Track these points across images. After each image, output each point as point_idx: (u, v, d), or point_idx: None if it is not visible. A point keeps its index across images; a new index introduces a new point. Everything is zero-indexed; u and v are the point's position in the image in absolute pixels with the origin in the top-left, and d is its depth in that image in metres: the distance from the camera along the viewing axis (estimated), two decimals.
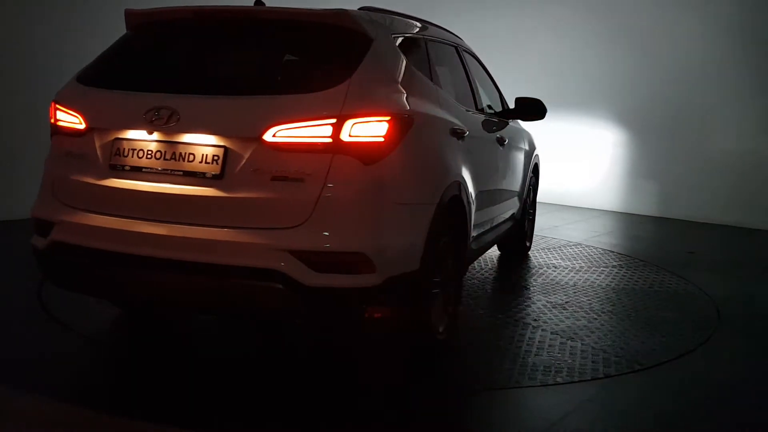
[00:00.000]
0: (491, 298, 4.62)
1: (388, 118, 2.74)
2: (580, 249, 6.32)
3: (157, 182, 2.72)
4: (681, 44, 8.57)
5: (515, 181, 5.12)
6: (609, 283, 5.05)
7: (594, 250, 6.33)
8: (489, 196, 4.28)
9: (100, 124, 2.86)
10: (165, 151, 2.73)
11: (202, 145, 2.69)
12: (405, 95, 2.99)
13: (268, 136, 2.61)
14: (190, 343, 3.59)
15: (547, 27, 9.37)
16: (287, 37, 3.00)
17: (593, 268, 5.52)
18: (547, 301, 4.51)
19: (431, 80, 3.46)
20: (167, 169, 2.72)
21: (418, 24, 3.72)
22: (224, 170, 2.65)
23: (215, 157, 2.67)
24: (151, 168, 2.74)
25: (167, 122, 2.68)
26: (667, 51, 8.66)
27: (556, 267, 5.53)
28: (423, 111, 3.11)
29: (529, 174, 5.58)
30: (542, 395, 3.07)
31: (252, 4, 3.28)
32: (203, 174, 2.67)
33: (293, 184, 2.61)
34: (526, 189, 5.50)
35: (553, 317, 4.14)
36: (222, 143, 2.67)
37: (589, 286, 4.94)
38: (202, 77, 2.93)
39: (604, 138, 9.24)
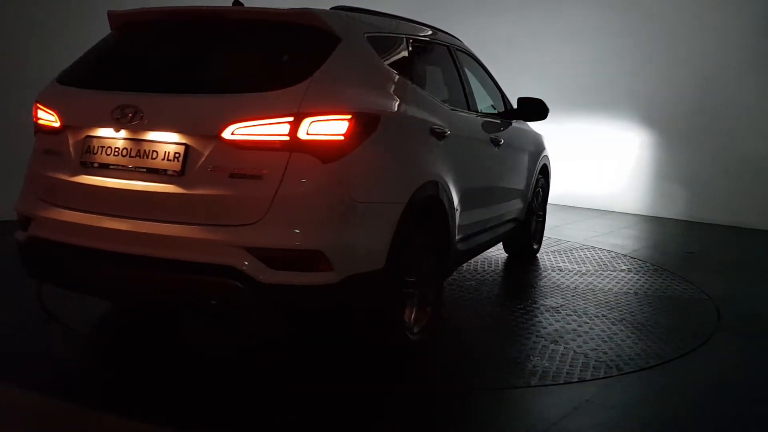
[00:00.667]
0: (485, 300, 4.56)
1: (348, 116, 2.74)
2: (592, 252, 6.20)
3: (122, 179, 2.79)
4: (711, 42, 8.31)
5: (516, 182, 5.05)
6: (612, 287, 4.93)
7: (606, 253, 6.19)
8: (480, 197, 4.24)
9: (73, 122, 2.95)
10: (131, 149, 2.80)
11: (165, 142, 2.74)
12: (373, 94, 3.00)
13: (226, 134, 2.65)
14: (186, 341, 3.61)
15: (569, 28, 9.22)
16: (254, 36, 3.02)
17: (599, 272, 5.41)
18: (542, 304, 4.45)
19: (411, 79, 3.44)
20: (132, 166, 2.78)
21: (400, 23, 3.71)
22: (185, 167, 2.71)
23: (177, 155, 2.72)
24: (117, 165, 2.81)
25: (131, 120, 2.75)
26: (696, 49, 8.41)
27: (561, 270, 5.44)
28: (393, 110, 3.11)
29: (535, 175, 5.49)
30: (543, 395, 3.08)
31: (231, 4, 3.34)
32: (165, 171, 2.73)
33: (251, 182, 2.64)
34: (531, 190, 5.42)
35: (542, 320, 4.08)
36: (183, 141, 2.72)
37: (589, 289, 4.84)
38: (167, 76, 2.98)
39: (629, 140, 9.03)
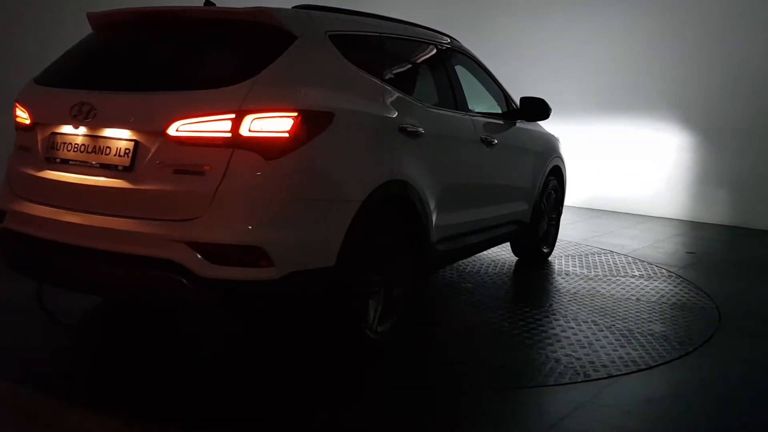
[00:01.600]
0: (476, 302, 4.48)
1: (294, 114, 2.76)
2: (608, 257, 5.98)
3: (79, 174, 2.91)
4: (757, 37, 7.90)
5: (517, 183, 4.94)
6: (614, 293, 4.76)
7: (624, 258, 5.97)
8: (467, 198, 4.17)
9: (40, 119, 3.09)
10: (87, 145, 2.91)
11: (117, 139, 2.84)
12: (327, 92, 3.01)
13: (171, 130, 2.71)
14: (184, 342, 3.59)
15: (603, 27, 8.94)
16: (210, 35, 3.08)
17: (608, 277, 5.22)
18: (533, 309, 4.33)
19: (381, 78, 3.42)
20: (88, 162, 2.89)
21: (374, 22, 3.68)
22: (134, 163, 2.79)
23: (127, 150, 2.81)
24: (75, 160, 2.93)
25: (86, 117, 2.86)
26: (740, 45, 8.00)
27: (567, 274, 5.30)
28: (351, 108, 3.10)
29: (542, 177, 5.31)
30: (544, 395, 3.08)
31: (203, 4, 3.41)
32: (116, 166, 2.82)
33: (194, 177, 2.70)
34: (537, 192, 5.26)
35: (526, 324, 3.97)
36: (133, 137, 2.80)
37: (589, 295, 4.69)
38: (123, 74, 3.08)
39: (668, 142, 8.69)
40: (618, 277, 5.24)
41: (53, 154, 3.00)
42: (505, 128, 4.77)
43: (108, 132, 2.86)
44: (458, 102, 4.21)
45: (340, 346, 3.34)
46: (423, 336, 3.79)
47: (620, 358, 3.48)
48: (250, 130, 2.68)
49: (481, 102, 4.83)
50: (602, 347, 3.63)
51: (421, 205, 3.51)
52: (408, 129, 3.45)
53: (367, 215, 3.06)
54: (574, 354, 3.50)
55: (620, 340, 3.75)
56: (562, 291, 4.79)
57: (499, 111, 4.86)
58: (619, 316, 4.22)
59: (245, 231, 2.69)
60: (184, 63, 3.05)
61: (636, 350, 3.61)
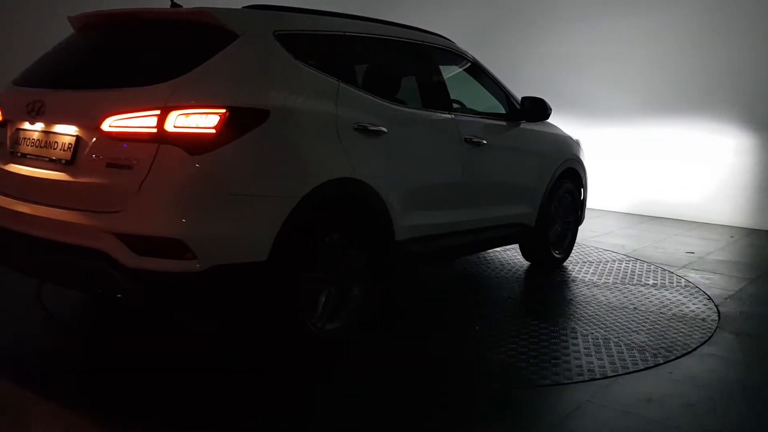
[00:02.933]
0: (461, 307, 4.41)
1: (222, 111, 2.81)
2: (628, 265, 5.68)
3: (33, 167, 3.10)
4: None
5: (515, 185, 4.78)
6: (613, 301, 4.52)
7: (647, 266, 5.65)
8: (446, 199, 4.09)
9: (9, 116, 3.32)
10: (41, 140, 3.10)
11: (62, 134, 3.01)
12: (266, 90, 3.04)
13: (105, 126, 2.85)
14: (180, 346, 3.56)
15: (651, 26, 8.50)
16: (157, 35, 3.21)
17: (616, 285, 4.96)
18: (517, 315, 4.21)
19: (338, 77, 3.40)
20: (41, 156, 3.08)
21: (335, 21, 3.65)
22: (75, 157, 2.94)
23: (69, 145, 2.97)
24: (32, 154, 3.13)
25: (38, 114, 3.05)
26: None
27: (573, 281, 5.09)
28: (293, 106, 3.12)
29: (552, 180, 5.09)
30: (544, 396, 3.08)
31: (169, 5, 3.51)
32: (60, 160, 2.99)
33: (123, 171, 2.81)
34: (544, 195, 5.04)
35: (499, 330, 3.86)
36: (75, 133, 2.96)
37: (585, 302, 4.49)
38: (73, 73, 3.26)
39: (722, 144, 8.16)
40: (628, 286, 4.97)
41: (16, 149, 3.22)
42: (501, 129, 4.64)
43: (57, 128, 3.03)
44: (439, 102, 4.14)
45: (283, 342, 3.35)
46: (416, 335, 3.78)
47: (578, 367, 3.33)
48: (175, 126, 2.76)
49: (480, 103, 4.73)
50: (564, 356, 3.48)
51: (380, 205, 3.48)
52: (366, 128, 3.44)
53: (308, 212, 3.07)
54: (532, 362, 3.38)
55: (588, 349, 3.58)
56: (559, 299, 4.66)
57: (501, 112, 4.74)
58: (604, 325, 4.01)
59: (166, 223, 2.76)
60: (125, 62, 3.20)
61: (600, 360, 3.44)
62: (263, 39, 3.17)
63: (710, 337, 3.91)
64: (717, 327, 4.13)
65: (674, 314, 4.30)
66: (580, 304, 4.46)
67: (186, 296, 2.92)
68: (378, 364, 3.34)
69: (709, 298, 4.77)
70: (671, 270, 5.60)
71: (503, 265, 5.47)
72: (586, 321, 4.08)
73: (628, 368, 3.36)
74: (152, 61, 3.10)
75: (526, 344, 3.62)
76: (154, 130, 2.76)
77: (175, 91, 2.80)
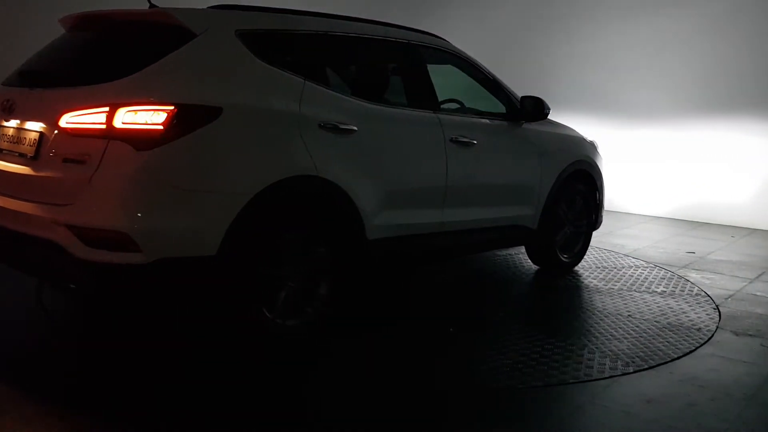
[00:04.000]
0: (460, 308, 4.37)
1: (170, 108, 2.89)
2: (642, 272, 5.45)
3: (6, 161, 3.27)
4: None
5: (510, 186, 4.67)
6: (609, 308, 4.37)
7: (662, 273, 5.40)
8: (426, 199, 4.04)
9: None
10: (13, 136, 3.27)
11: (29, 130, 3.16)
12: (219, 88, 3.10)
13: (62, 123, 2.98)
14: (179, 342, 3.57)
15: (697, 25, 8.24)
16: (121, 35, 3.36)
17: (620, 292, 4.78)
18: (502, 321, 4.14)
19: (304, 76, 3.43)
20: (13, 151, 3.25)
21: (305, 20, 3.68)
22: (38, 152, 3.09)
23: (34, 141, 3.12)
24: (5, 150, 3.30)
25: (11, 112, 3.23)
26: None
27: (578, 287, 4.95)
28: (249, 104, 3.16)
29: (556, 181, 4.94)
30: (543, 396, 3.08)
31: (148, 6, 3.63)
32: (26, 155, 3.14)
33: (77, 166, 2.92)
34: (546, 197, 4.89)
35: (469, 336, 3.83)
36: (39, 129, 3.11)
37: (579, 309, 4.43)
38: (46, 72, 3.40)
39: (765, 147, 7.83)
40: (632, 292, 4.77)
41: None
42: (496, 129, 4.57)
43: (26, 125, 3.19)
44: (422, 101, 4.11)
45: (241, 335, 3.36)
46: (411, 336, 3.79)
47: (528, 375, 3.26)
48: (123, 123, 2.86)
49: (482, 103, 4.67)
50: (520, 364, 3.38)
51: (347, 203, 3.50)
52: (333, 126, 3.46)
53: (263, 209, 3.12)
54: (485, 367, 3.34)
55: (548, 358, 3.48)
56: (556, 305, 4.57)
57: (501, 112, 4.67)
58: (585, 333, 3.94)
59: (112, 216, 2.86)
60: (90, 61, 3.35)
61: (552, 369, 3.33)
62: (223, 37, 3.24)
63: (710, 337, 3.90)
64: (717, 327, 4.11)
65: (668, 323, 4.11)
66: (573, 311, 4.37)
67: (133, 288, 3.00)
68: (374, 364, 3.35)
69: (710, 298, 4.75)
70: (672, 270, 5.54)
71: (510, 267, 5.40)
72: (569, 330, 3.99)
73: (572, 380, 3.25)
74: (112, 60, 3.24)
75: (521, 347, 3.60)
76: (104, 127, 2.87)
77: (125, 88, 2.93)
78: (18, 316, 3.90)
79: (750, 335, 4.02)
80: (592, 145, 5.44)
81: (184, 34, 3.12)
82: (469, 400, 3.00)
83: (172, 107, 2.89)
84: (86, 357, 3.43)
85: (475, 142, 4.27)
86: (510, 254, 5.78)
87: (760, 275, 5.68)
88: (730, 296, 4.90)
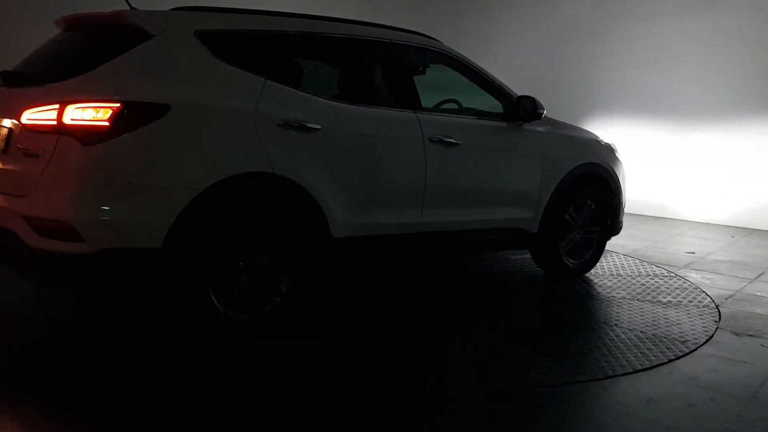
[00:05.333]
0: (456, 307, 4.37)
1: (116, 105, 3.02)
2: (653, 281, 5.22)
3: None
4: None
5: (503, 187, 4.57)
6: (600, 316, 4.34)
7: (677, 284, 5.17)
8: (401, 199, 4.02)
9: None
10: None
11: (3, 126, 3.30)
12: (170, 85, 3.21)
13: (23, 119, 3.13)
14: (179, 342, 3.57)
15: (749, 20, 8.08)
16: (88, 37, 3.53)
17: (622, 300, 4.66)
18: (502, 322, 4.14)
19: (265, 74, 3.49)
20: None
21: (268, 20, 3.74)
22: (6, 147, 3.24)
23: (5, 136, 3.27)
24: None
25: None
26: None
27: (580, 294, 4.81)
28: (200, 101, 3.25)
29: (560, 184, 4.81)
30: (543, 396, 3.09)
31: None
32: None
33: (33, 159, 3.08)
34: (546, 200, 4.76)
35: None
36: (9, 125, 3.25)
37: (563, 316, 4.35)
38: (24, 72, 3.50)
39: None
40: (634, 301, 4.63)
41: None
42: (486, 129, 4.50)
43: (3, 122, 3.32)
44: (399, 100, 4.10)
45: (192, 325, 3.42)
46: (410, 336, 3.80)
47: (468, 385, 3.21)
48: (71, 119, 3.00)
49: (483, 104, 4.66)
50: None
51: (307, 200, 3.55)
52: (294, 124, 3.50)
53: (211, 204, 3.22)
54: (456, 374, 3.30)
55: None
56: (534, 310, 4.56)
57: (499, 112, 4.61)
58: (584, 332, 3.94)
59: (58, 207, 3.01)
60: (57, 62, 3.48)
61: (495, 376, 3.28)
62: (181, 38, 3.36)
63: (710, 337, 3.92)
64: (717, 327, 4.13)
65: (653, 335, 3.92)
66: (557, 320, 4.31)
67: (79, 276, 3.13)
68: (370, 363, 3.36)
69: (710, 298, 4.76)
70: (672, 270, 5.57)
71: (516, 270, 5.39)
72: (543, 339, 3.89)
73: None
74: (74, 60, 3.37)
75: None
76: (55, 123, 3.03)
77: (75, 86, 3.09)
78: (18, 315, 3.93)
79: (750, 335, 4.04)
80: (607, 148, 5.27)
81: (141, 35, 3.27)
82: (468, 400, 2.99)
83: (117, 104, 3.03)
84: (85, 356, 3.43)
85: (459, 142, 4.22)
86: (524, 257, 5.65)
87: (760, 275, 5.68)
88: (730, 296, 4.91)
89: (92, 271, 3.07)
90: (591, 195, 5.11)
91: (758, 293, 5.07)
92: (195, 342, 3.49)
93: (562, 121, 5.19)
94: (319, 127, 3.59)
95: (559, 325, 4.12)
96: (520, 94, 4.67)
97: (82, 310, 4.17)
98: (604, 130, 9.07)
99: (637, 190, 8.70)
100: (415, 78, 4.70)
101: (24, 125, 3.12)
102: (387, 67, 4.19)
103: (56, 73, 3.27)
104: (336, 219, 3.67)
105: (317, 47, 3.99)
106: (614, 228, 5.37)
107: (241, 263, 3.42)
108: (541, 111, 4.57)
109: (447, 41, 4.62)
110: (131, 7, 3.61)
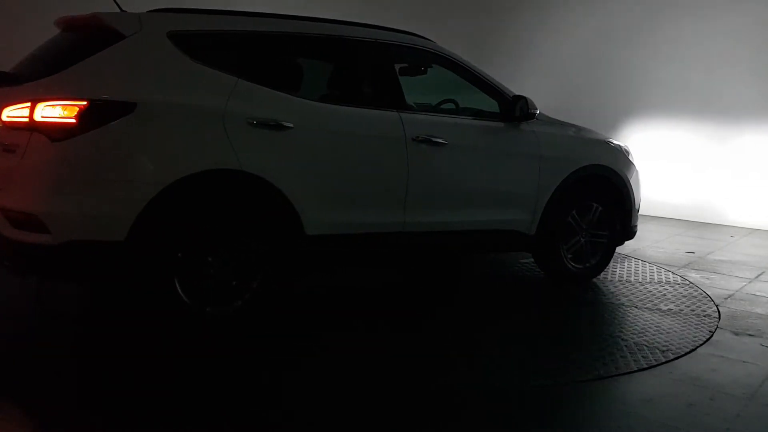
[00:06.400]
0: (454, 308, 4.38)
1: (83, 103, 3.16)
2: (667, 288, 5.04)
3: None
4: None
5: (495, 188, 4.49)
6: (616, 304, 4.40)
7: (682, 291, 4.98)
8: (383, 197, 4.02)
9: None
10: None
11: None
12: (138, 84, 3.32)
13: (3, 116, 3.26)
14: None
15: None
16: (69, 38, 3.65)
17: (620, 307, 4.56)
18: (474, 323, 4.10)
19: (238, 73, 3.57)
20: None
21: (243, 20, 3.79)
22: None
23: None
24: None
25: None
26: None
27: (576, 296, 4.75)
28: (167, 100, 3.35)
29: (559, 186, 4.69)
30: (543, 396, 3.09)
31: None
32: None
33: (10, 154, 3.23)
34: (546, 202, 4.66)
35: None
36: None
37: (563, 319, 4.29)
38: (14, 72, 3.56)
39: None
40: (630, 308, 4.51)
41: None
42: (477, 129, 4.45)
43: None
44: (381, 99, 4.09)
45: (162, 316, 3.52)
46: (408, 335, 3.81)
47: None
48: (42, 116, 3.16)
49: (483, 104, 4.63)
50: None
51: (278, 197, 3.58)
52: (264, 122, 3.55)
53: (176, 199, 3.32)
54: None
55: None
56: (554, 305, 4.56)
57: (496, 113, 4.54)
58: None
59: (27, 200, 3.19)
60: (39, 62, 3.57)
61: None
62: (153, 39, 3.47)
63: (710, 337, 3.93)
64: (717, 327, 4.13)
65: (652, 335, 3.91)
66: (572, 313, 4.34)
67: (47, 266, 3.30)
68: (374, 364, 3.36)
69: (710, 298, 4.76)
70: (672, 270, 5.57)
71: (522, 273, 5.38)
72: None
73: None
74: (54, 60, 3.47)
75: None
76: (27, 120, 3.18)
77: (47, 85, 3.24)
78: (17, 315, 3.94)
79: (750, 335, 4.05)
80: (617, 150, 5.14)
81: (115, 36, 3.39)
82: (466, 401, 2.99)
83: (84, 102, 3.16)
84: (85, 355, 3.45)
85: (445, 142, 4.18)
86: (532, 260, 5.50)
87: (759, 275, 5.69)
88: (729, 296, 4.91)
89: (59, 262, 3.23)
90: (598, 198, 4.99)
91: (758, 293, 5.08)
92: (194, 342, 3.50)
93: (569, 122, 5.09)
94: (291, 125, 3.64)
95: (559, 326, 4.13)
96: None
97: (81, 305, 4.19)
98: (644, 133, 9.03)
99: (687, 194, 8.60)
100: (416, 78, 4.74)
101: (3, 122, 3.26)
102: (368, 67, 4.19)
103: (36, 72, 3.41)
104: (309, 216, 3.72)
105: (294, 47, 4.03)
106: (626, 233, 5.21)
107: (209, 258, 3.50)
108: (533, 111, 4.50)
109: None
110: (121, 10, 3.70)
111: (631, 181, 5.13)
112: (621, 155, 5.15)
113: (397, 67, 4.38)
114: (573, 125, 5.07)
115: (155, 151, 3.32)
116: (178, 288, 3.43)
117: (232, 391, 2.94)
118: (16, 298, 4.21)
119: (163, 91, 3.37)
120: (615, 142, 5.26)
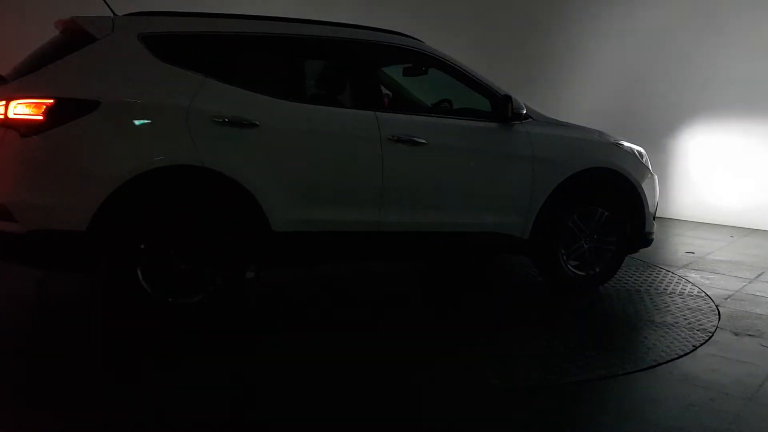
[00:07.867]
0: (452, 308, 4.39)
1: (50, 101, 3.35)
2: (675, 300, 4.77)
3: None
4: None
5: (483, 190, 4.39)
6: (613, 309, 4.41)
7: (682, 302, 4.70)
8: (355, 196, 4.00)
9: None
10: None
11: None
12: (102, 83, 3.47)
13: None
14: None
15: None
16: (54, 41, 3.79)
17: (617, 317, 4.36)
18: (472, 323, 4.11)
19: (206, 73, 3.67)
20: None
21: (213, 22, 3.89)
22: None
23: None
24: None
25: None
26: None
27: (565, 305, 4.59)
28: (131, 98, 3.49)
29: (555, 189, 4.52)
30: (543, 396, 3.09)
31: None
32: None
33: None
34: (541, 205, 4.50)
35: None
36: None
37: (562, 318, 4.28)
38: (6, 73, 3.67)
39: None
40: (630, 308, 4.48)
41: None
42: (462, 129, 4.34)
43: None
44: (357, 98, 4.10)
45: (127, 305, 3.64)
46: (405, 334, 3.81)
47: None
48: (14, 113, 3.36)
49: (464, 103, 4.59)
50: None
51: (243, 194, 3.65)
52: (229, 120, 3.63)
53: (138, 193, 3.47)
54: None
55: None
56: (554, 305, 4.56)
57: (489, 113, 4.41)
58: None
59: None
60: (25, 63, 3.70)
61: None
62: (123, 40, 3.64)
63: (710, 337, 3.93)
64: (717, 327, 4.14)
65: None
66: (573, 312, 4.34)
67: (16, 254, 3.50)
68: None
69: (709, 298, 4.76)
70: (673, 271, 5.57)
71: (523, 275, 5.39)
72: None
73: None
74: (35, 61, 3.63)
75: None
76: (3, 117, 3.37)
77: (21, 85, 3.43)
78: (17, 314, 3.95)
79: (750, 335, 4.05)
80: (629, 153, 4.89)
81: (88, 39, 3.59)
82: (466, 400, 3.00)
83: (51, 100, 3.36)
84: (85, 354, 3.43)
85: (425, 141, 4.12)
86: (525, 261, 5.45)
87: (759, 275, 5.69)
88: (729, 296, 4.92)
89: (26, 250, 3.43)
90: (603, 202, 4.79)
91: (758, 293, 5.09)
92: (194, 342, 3.51)
93: (575, 123, 4.95)
94: (258, 123, 3.69)
95: (558, 326, 4.12)
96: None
97: (81, 305, 4.16)
98: (707, 134, 8.79)
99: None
100: (417, 79, 4.73)
101: None
102: (342, 66, 4.21)
103: (21, 72, 3.58)
104: (276, 214, 3.76)
105: (265, 47, 4.08)
106: (640, 240, 4.97)
107: (171, 251, 3.62)
108: (519, 111, 4.39)
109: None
110: (113, 13, 3.81)
111: (643, 186, 4.87)
112: (632, 159, 4.89)
113: (379, 66, 4.42)
114: (579, 127, 4.89)
115: (116, 148, 3.47)
116: (140, 278, 3.56)
117: (231, 392, 2.94)
118: (17, 297, 4.21)
119: (127, 89, 3.52)
120: (627, 144, 4.94)
